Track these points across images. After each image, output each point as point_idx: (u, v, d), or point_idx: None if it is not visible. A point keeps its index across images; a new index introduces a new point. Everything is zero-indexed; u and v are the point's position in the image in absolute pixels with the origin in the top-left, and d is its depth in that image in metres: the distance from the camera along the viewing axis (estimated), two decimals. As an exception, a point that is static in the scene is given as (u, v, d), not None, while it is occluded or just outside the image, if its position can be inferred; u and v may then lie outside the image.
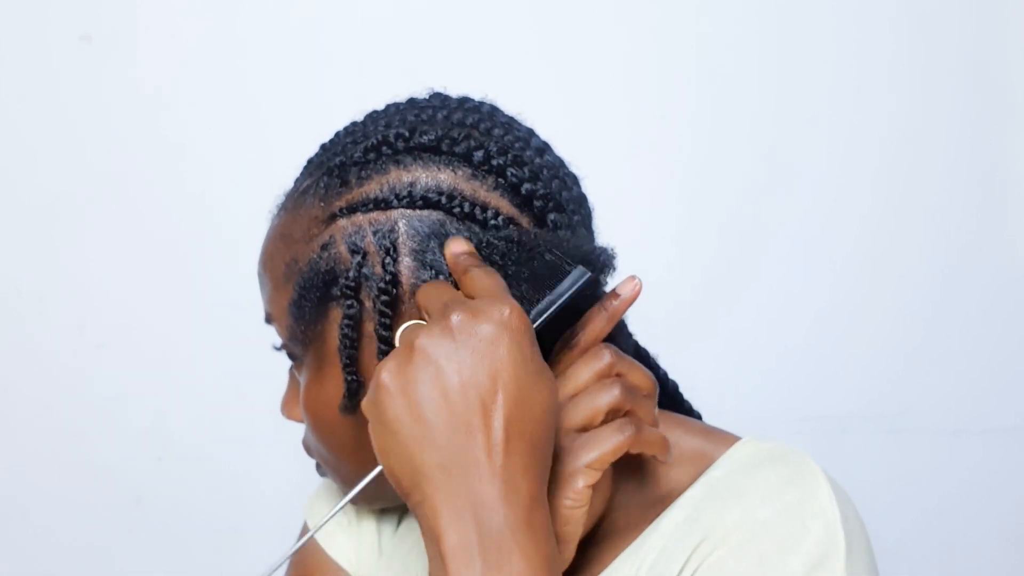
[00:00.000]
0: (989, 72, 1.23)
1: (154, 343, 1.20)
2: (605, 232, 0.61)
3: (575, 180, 0.60)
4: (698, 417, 0.68)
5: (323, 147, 0.61)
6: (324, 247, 0.55)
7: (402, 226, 0.54)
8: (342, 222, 0.55)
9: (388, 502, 0.64)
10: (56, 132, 1.17)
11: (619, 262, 0.56)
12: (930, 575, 1.28)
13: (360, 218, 0.55)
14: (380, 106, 0.61)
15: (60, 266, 1.19)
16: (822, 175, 1.23)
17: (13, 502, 1.22)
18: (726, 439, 0.58)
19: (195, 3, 1.17)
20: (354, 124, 0.61)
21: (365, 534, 0.72)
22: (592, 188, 0.61)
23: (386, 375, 0.47)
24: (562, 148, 0.60)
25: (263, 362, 0.78)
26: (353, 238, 0.55)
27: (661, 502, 0.56)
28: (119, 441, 1.21)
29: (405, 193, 0.54)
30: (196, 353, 1.21)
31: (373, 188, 0.55)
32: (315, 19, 1.18)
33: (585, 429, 0.51)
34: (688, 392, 0.68)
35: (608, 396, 0.51)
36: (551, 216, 0.56)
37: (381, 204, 0.54)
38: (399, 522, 0.72)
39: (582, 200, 0.60)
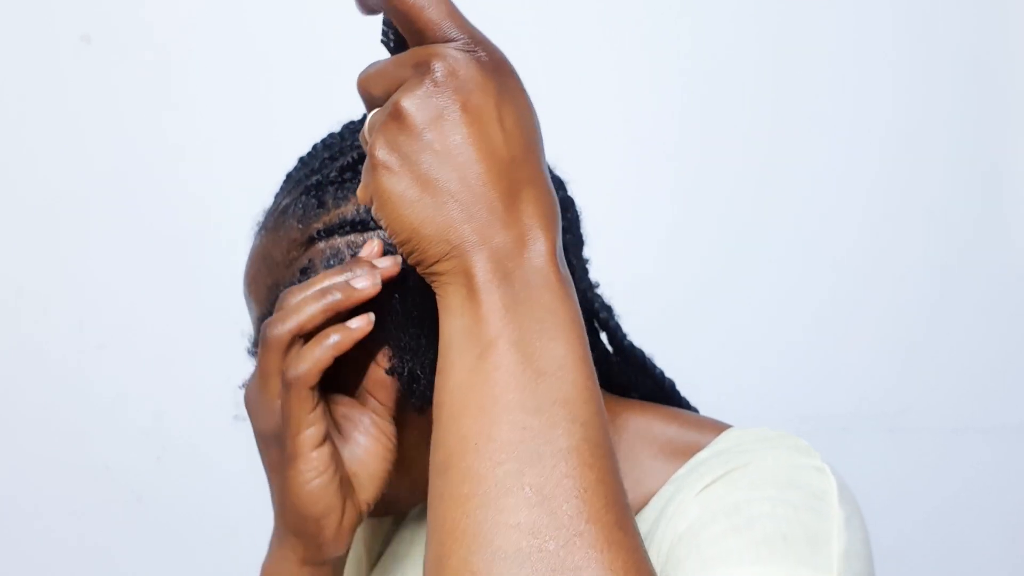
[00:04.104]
0: (989, 72, 1.23)
1: (154, 343, 1.20)
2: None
3: (560, 184, 0.60)
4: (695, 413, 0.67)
5: (302, 161, 0.60)
6: (304, 271, 0.55)
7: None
8: (321, 245, 0.54)
9: (399, 509, 0.64)
10: (56, 132, 1.17)
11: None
12: (930, 575, 1.28)
13: (338, 241, 0.54)
14: (358, 115, 0.60)
15: (61, 266, 1.19)
16: (822, 173, 1.23)
17: (13, 502, 1.22)
18: (717, 428, 0.57)
19: (195, 3, 1.17)
20: (331, 137, 0.60)
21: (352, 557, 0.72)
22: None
23: (381, 152, 0.41)
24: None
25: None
26: (331, 262, 0.54)
27: (651, 495, 0.56)
28: (119, 441, 1.21)
29: None
30: (196, 353, 1.21)
31: (350, 209, 0.54)
32: (316, 18, 1.18)
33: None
34: (687, 390, 0.68)
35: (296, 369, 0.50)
36: None
37: (358, 226, 0.54)
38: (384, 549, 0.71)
39: (568, 205, 0.60)
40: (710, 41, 1.21)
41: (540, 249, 0.41)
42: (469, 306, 0.40)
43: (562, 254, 0.42)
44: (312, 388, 0.50)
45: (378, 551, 0.72)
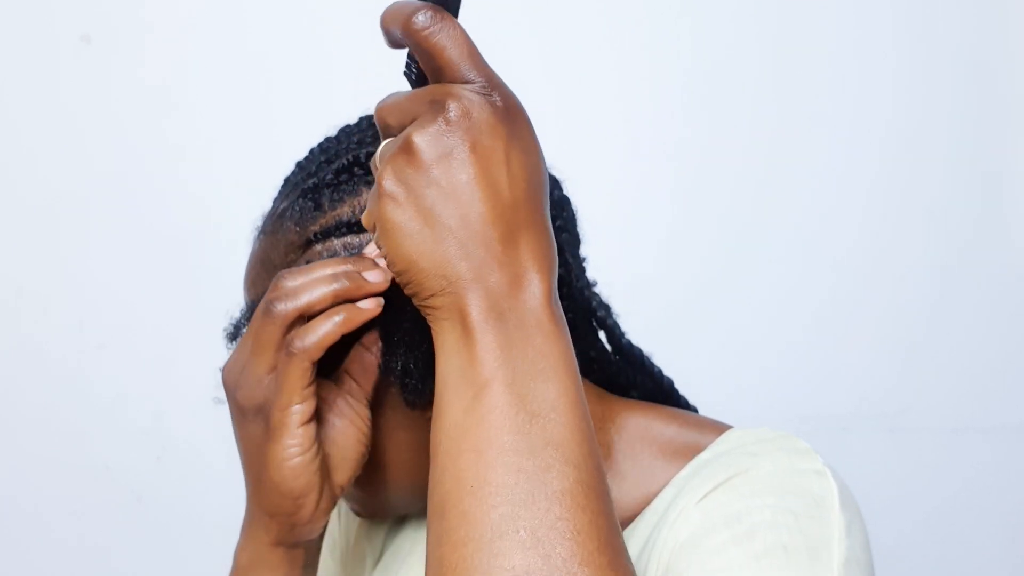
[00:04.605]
0: (989, 72, 1.23)
1: (154, 343, 1.20)
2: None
3: (556, 184, 0.60)
4: (694, 411, 0.67)
5: (299, 165, 0.61)
6: None
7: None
8: (318, 247, 0.55)
9: (403, 509, 0.64)
10: (56, 132, 1.17)
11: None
12: (930, 575, 1.28)
13: (335, 243, 0.55)
14: (354, 119, 0.60)
15: (60, 266, 1.19)
16: (822, 173, 1.23)
17: (13, 502, 1.22)
18: (717, 428, 0.57)
19: (195, 3, 1.17)
20: (328, 141, 0.60)
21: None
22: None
23: (388, 182, 0.43)
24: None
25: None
26: None
27: (652, 496, 0.55)
28: (119, 441, 1.21)
29: None
30: (196, 353, 1.20)
31: (345, 211, 0.55)
32: (316, 18, 1.18)
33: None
34: (687, 389, 0.68)
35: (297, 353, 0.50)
36: None
37: (354, 228, 0.54)
38: (384, 550, 0.71)
39: (564, 204, 0.60)
40: (710, 41, 1.21)
41: (535, 291, 0.42)
42: (464, 345, 0.41)
43: (557, 296, 0.44)
44: (313, 363, 0.50)
45: (380, 550, 0.72)
